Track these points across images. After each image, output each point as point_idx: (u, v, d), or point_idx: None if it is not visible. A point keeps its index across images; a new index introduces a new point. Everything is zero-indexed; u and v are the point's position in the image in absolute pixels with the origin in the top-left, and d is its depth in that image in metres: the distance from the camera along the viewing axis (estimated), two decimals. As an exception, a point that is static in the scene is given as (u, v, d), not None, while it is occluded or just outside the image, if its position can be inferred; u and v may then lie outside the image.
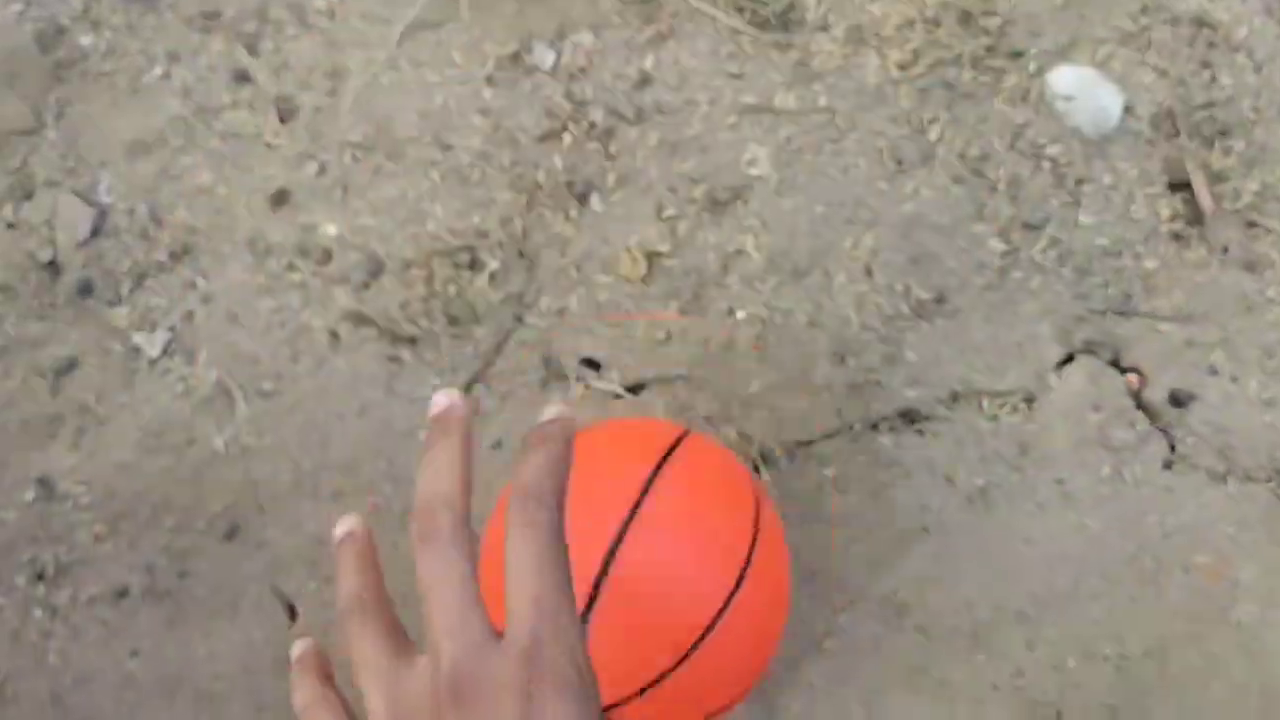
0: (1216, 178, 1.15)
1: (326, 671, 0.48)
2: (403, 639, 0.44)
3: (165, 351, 1.16)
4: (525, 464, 0.45)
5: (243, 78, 1.21)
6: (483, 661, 0.41)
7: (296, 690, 0.47)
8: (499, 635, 0.41)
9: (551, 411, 0.47)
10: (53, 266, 1.17)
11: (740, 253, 1.16)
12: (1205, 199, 1.14)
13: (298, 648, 0.50)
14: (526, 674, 0.40)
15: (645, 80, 1.20)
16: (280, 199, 1.18)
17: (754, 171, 1.18)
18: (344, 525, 0.49)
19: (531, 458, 0.45)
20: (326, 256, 1.17)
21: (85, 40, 1.22)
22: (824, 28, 1.20)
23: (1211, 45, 1.18)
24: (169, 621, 1.11)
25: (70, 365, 1.15)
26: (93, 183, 1.19)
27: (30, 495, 1.12)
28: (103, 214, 1.18)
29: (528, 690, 0.39)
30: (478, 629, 0.41)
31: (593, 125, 1.19)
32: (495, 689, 0.40)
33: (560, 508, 0.44)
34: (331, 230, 1.17)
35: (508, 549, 0.42)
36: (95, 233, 1.18)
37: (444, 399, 0.47)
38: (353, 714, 0.45)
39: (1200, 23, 1.19)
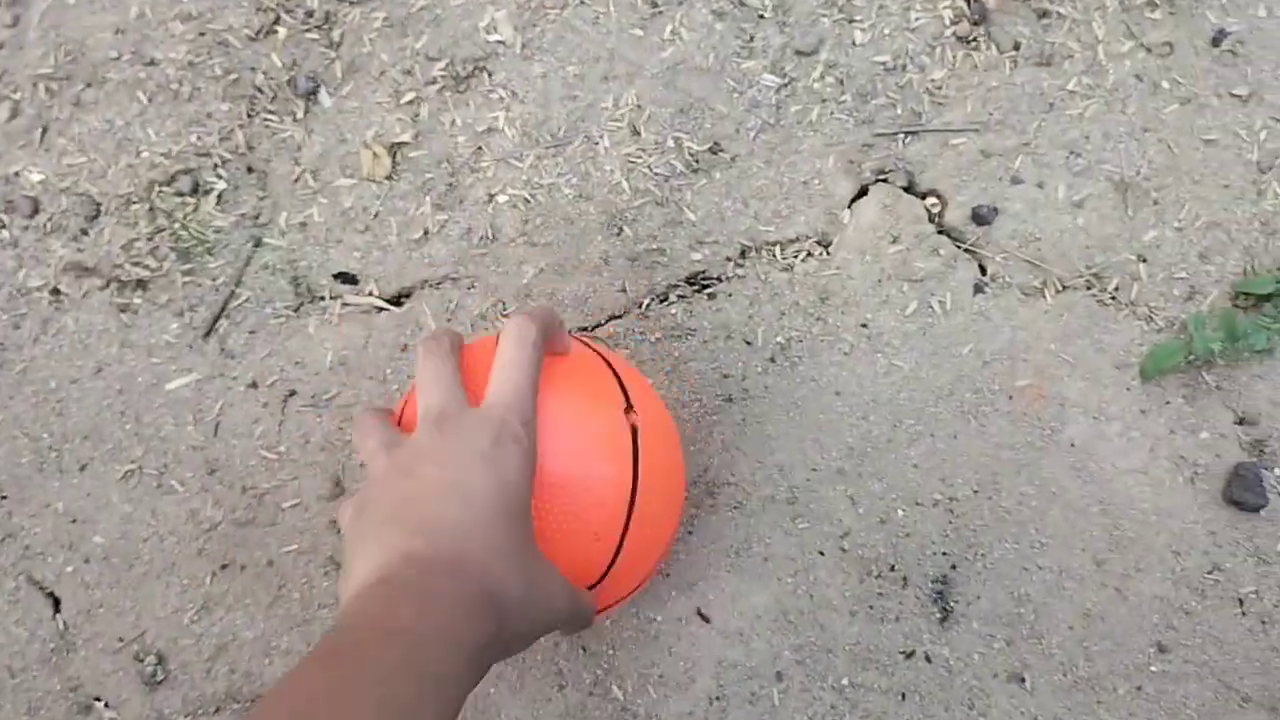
0: (997, -32, 1.01)
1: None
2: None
3: (-127, 340, 1.00)
4: (528, 311, 0.67)
5: (-89, 21, 1.04)
6: (461, 412, 0.62)
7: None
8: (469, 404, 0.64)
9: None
10: None
11: (492, 130, 1.01)
12: (987, -7, 1.01)
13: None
14: (493, 426, 0.60)
15: (362, -45, 1.03)
16: (-27, 150, 1.02)
17: (494, 38, 1.02)
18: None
19: (527, 311, 0.67)
20: (34, 207, 1.01)
21: None
22: None
23: None
24: (-77, 633, 0.97)
25: None
26: None
27: None
28: None
29: (494, 435, 0.59)
30: (459, 396, 0.63)
31: (309, 13, 1.02)
32: (468, 430, 0.60)
33: (542, 339, 0.66)
34: (36, 177, 1.01)
35: (500, 347, 0.65)
36: None
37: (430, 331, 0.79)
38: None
39: None
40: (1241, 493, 0.92)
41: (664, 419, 0.78)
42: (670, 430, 0.79)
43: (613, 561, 0.70)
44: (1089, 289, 0.97)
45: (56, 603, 0.96)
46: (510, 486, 0.58)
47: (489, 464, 0.57)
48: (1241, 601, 0.91)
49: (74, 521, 0.97)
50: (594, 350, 0.76)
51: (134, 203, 1.00)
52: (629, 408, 0.72)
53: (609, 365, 0.75)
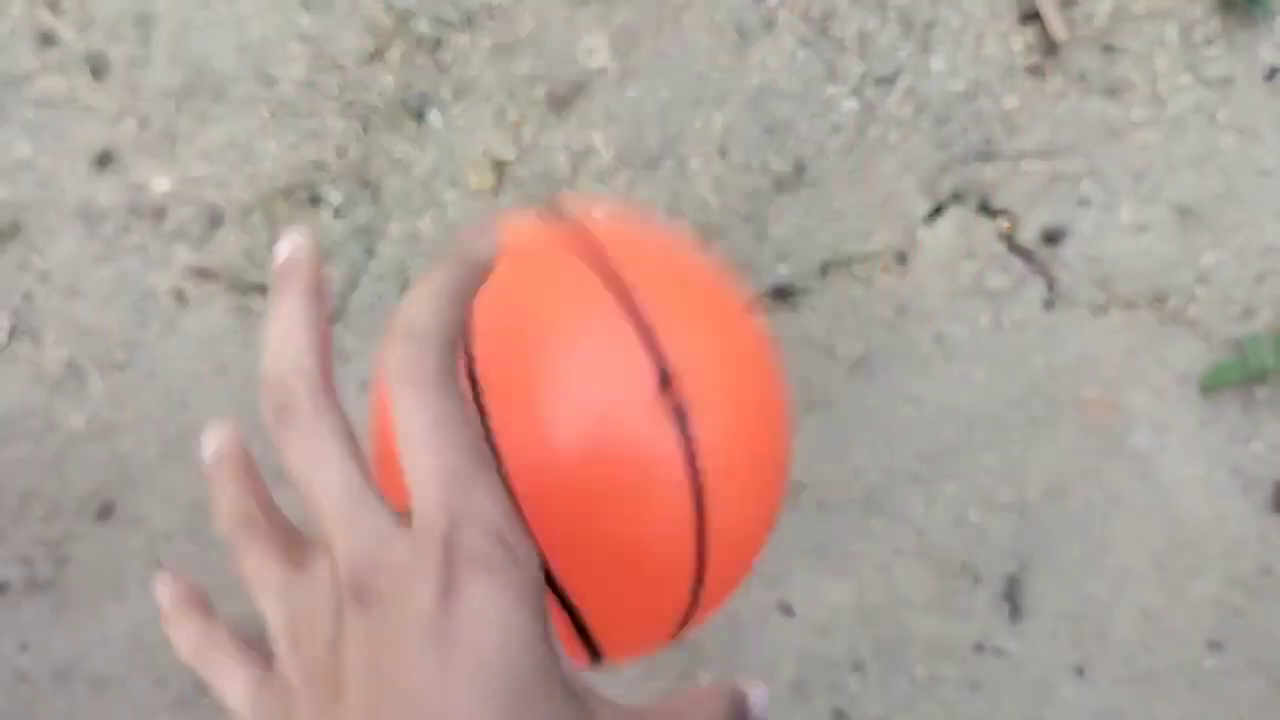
0: (1067, 3, 1.07)
1: (204, 605, 0.42)
2: (300, 547, 0.37)
3: (9, 337, 1.07)
4: (406, 303, 0.35)
5: (48, 39, 1.10)
6: (387, 552, 0.33)
7: (178, 639, 0.41)
8: (403, 519, 0.33)
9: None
10: (-122, 265, 1.08)
11: (589, 150, 1.07)
12: (1057, 27, 1.07)
13: (161, 593, 0.43)
14: (442, 560, 0.32)
15: (469, -17, 1.10)
16: (105, 160, 1.08)
17: (593, 64, 1.09)
18: (212, 443, 0.40)
19: (413, 292, 0.36)
20: (161, 213, 1.08)
21: (-124, 23, 1.11)
22: (647, -97, 1.11)
23: None
24: (54, 610, 1.03)
25: (-88, 365, 1.06)
26: (-96, 171, 1.09)
27: (-110, 504, 1.04)
28: (-81, 202, 1.08)
29: (445, 580, 0.31)
30: (375, 514, 0.33)
31: (420, 37, 1.09)
32: (405, 582, 0.32)
33: (450, 350, 0.34)
34: (163, 185, 1.08)
35: (395, 414, 0.34)
36: (-83, 224, 1.08)
37: (285, 246, 0.40)
38: (254, 641, 0.39)
39: None
40: (1294, 501, 0.98)
41: (738, 364, 0.48)
42: (754, 380, 0.50)
43: (686, 618, 0.50)
44: (1152, 307, 1.02)
45: (181, 584, 1.02)
46: (500, 665, 0.30)
47: (446, 650, 0.30)
48: (1293, 603, 0.97)
49: (197, 510, 1.03)
50: (587, 266, 0.43)
51: (254, 211, 1.06)
52: (666, 378, 0.42)
53: (619, 295, 0.43)
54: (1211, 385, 1.00)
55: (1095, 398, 1.01)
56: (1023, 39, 1.07)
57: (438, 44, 1.09)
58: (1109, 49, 1.07)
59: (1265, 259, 1.03)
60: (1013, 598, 0.98)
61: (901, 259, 1.05)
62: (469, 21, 1.09)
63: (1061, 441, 1.00)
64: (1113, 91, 1.07)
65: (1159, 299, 1.03)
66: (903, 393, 1.02)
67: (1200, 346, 1.01)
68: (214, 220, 1.07)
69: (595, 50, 1.09)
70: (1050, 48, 1.07)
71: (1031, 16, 1.08)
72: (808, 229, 1.05)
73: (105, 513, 1.04)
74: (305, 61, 1.08)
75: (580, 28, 1.09)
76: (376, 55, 1.08)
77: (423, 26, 1.09)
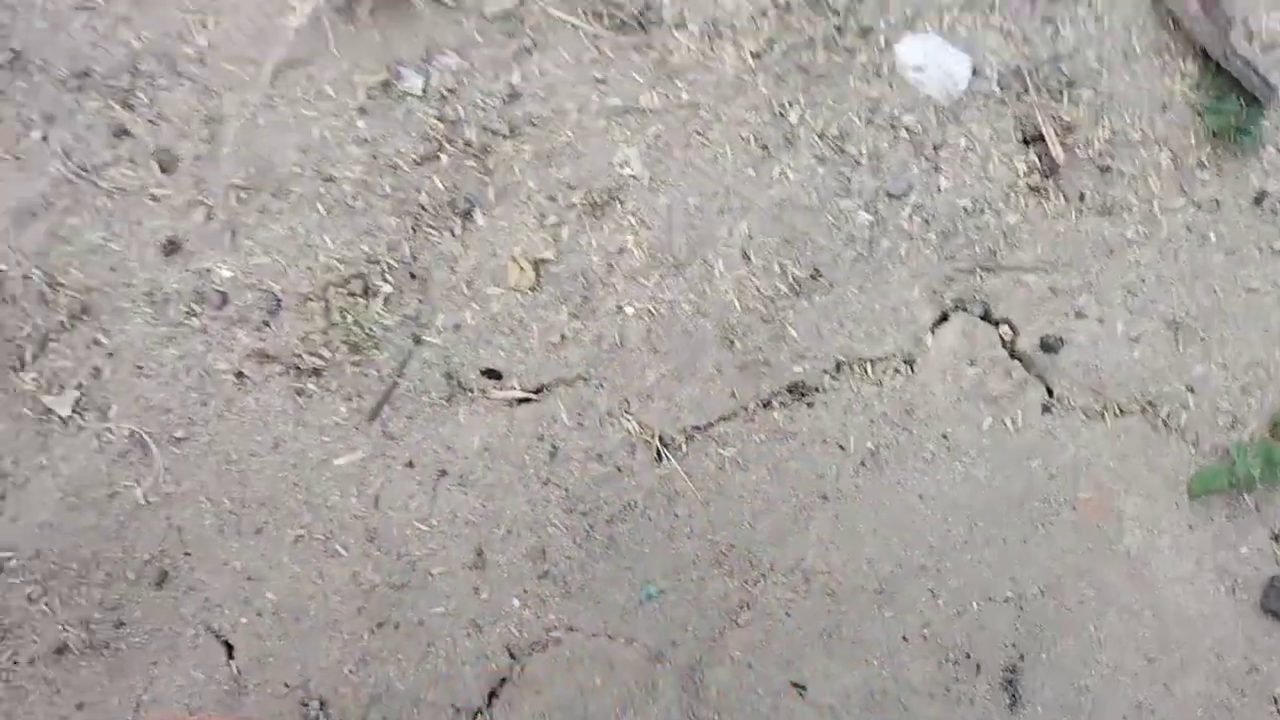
0: (1067, 129, 1.11)
1: None
2: None
3: (76, 410, 1.09)
4: None
5: (121, 133, 1.14)
6: None
7: None
8: None
9: None
10: (-43, 340, 1.11)
11: (622, 251, 1.11)
12: (1058, 150, 1.10)
13: None
14: None
15: (514, 94, 1.14)
16: (172, 248, 1.12)
17: (627, 171, 1.12)
18: None
19: None
20: (223, 299, 1.11)
21: (-35, 113, 1.15)
22: (680, 24, 1.15)
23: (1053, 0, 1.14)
24: (111, 672, 1.05)
25: (-16, 434, 1.09)
26: (-14, 253, 1.12)
27: (-41, 565, 1.07)
28: (-1, 283, 1.11)
29: None
30: None
31: (468, 143, 1.13)
32: None
33: None
34: (226, 273, 1.11)
35: None
36: (-6, 302, 1.11)
37: None
38: None
39: (1039, -19, 1.15)
40: (1276, 602, 1.00)
41: None
42: None
43: None
44: (1144, 414, 1.05)
45: (230, 650, 1.04)
46: None
47: None
48: (1276, 700, 0.99)
49: (249, 579, 1.05)
50: None
51: (311, 300, 1.10)
52: None
53: None
54: (1200, 490, 1.02)
55: (1090, 499, 1.03)
56: (1025, 160, 1.11)
57: (485, 150, 1.12)
58: (1106, 171, 1.11)
59: (1252, 372, 1.06)
60: (1012, 688, 0.99)
61: (910, 362, 1.07)
62: (513, 130, 1.13)
63: (1058, 540, 1.02)
64: (1109, 211, 1.10)
65: (1151, 407, 1.05)
66: (911, 488, 1.04)
67: (1190, 453, 1.04)
68: (273, 307, 1.10)
69: (629, 159, 1.13)
70: (1051, 168, 1.11)
71: (1034, 139, 1.11)
72: (823, 331, 1.08)
73: (162, 580, 1.06)
74: (362, 163, 1.12)
75: (616, 137, 1.13)
76: (428, 159, 1.12)
77: (471, 134, 1.12)
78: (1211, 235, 1.08)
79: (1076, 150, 1.10)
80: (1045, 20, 1.13)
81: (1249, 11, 1.10)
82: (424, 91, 1.13)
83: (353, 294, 1.10)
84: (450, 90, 1.13)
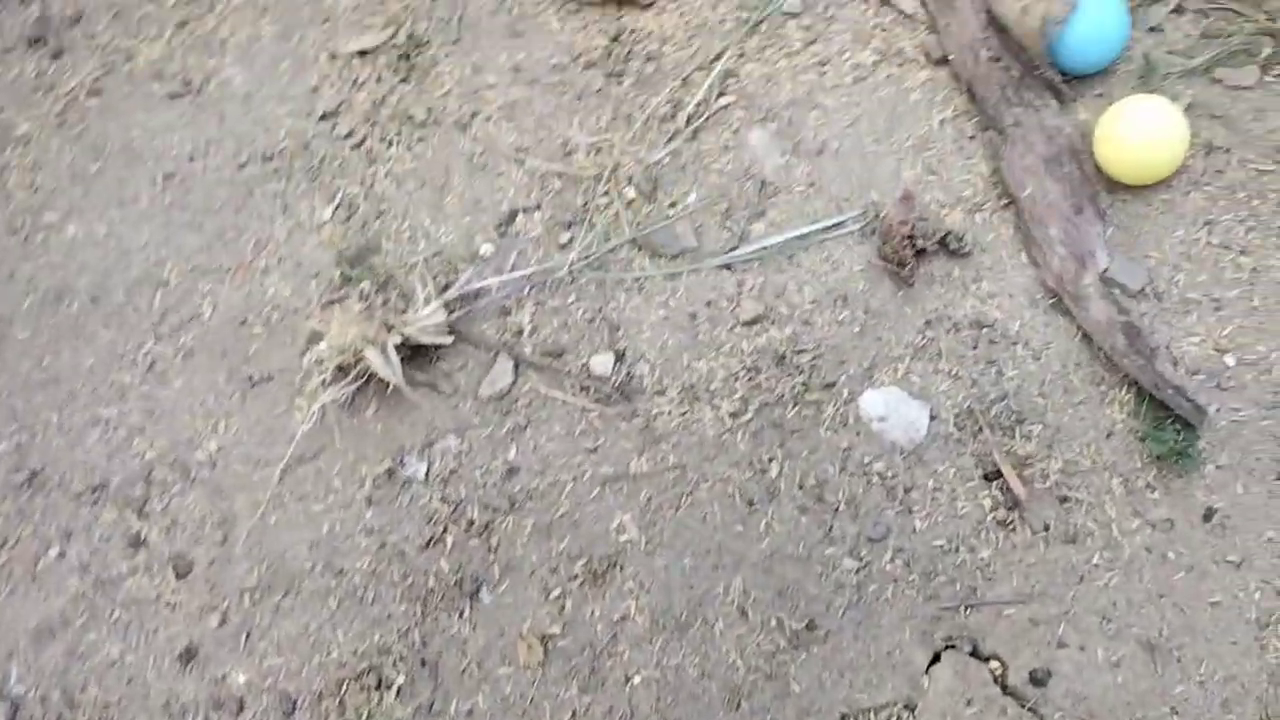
0: (1023, 463, 1.19)
1: None
2: None
3: (95, 834, 1.09)
4: None
5: (137, 542, 1.18)
6: None
7: None
8: None
9: None
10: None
11: (625, 619, 1.15)
12: (1016, 484, 1.18)
13: None
14: None
15: (512, 470, 1.21)
16: (188, 655, 1.14)
17: (624, 537, 1.18)
18: None
19: None
20: (240, 705, 1.13)
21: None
22: (660, 391, 1.24)
23: (992, 343, 1.25)
24: None
25: None
26: (3, 676, 1.14)
27: None
28: (15, 707, 1.12)
29: None
30: None
31: (471, 523, 1.19)
32: None
33: None
34: (241, 678, 1.13)
35: None
36: (10, 726, 1.12)
37: None
38: None
39: (978, 324, 1.26)
40: None
41: None
42: None
43: None
44: (1136, 743, 1.09)
45: None
46: None
47: None
48: None
49: None
50: None
51: (325, 698, 1.12)
52: None
53: None
54: (1201, 818, 1.05)
55: (1100, 837, 1.06)
56: (990, 496, 1.19)
57: (487, 528, 1.18)
58: (1065, 500, 1.19)
59: (1227, 687, 1.11)
60: None
61: (910, 707, 1.11)
62: (513, 505, 1.19)
63: None
64: (1073, 539, 1.17)
65: (1142, 734, 1.09)
66: (927, 845, 1.06)
67: (1185, 780, 1.07)
68: (289, 709, 1.12)
69: (625, 525, 1.19)
70: (1014, 502, 1.19)
71: (995, 474, 1.20)
72: (824, 683, 1.12)
73: None
74: (370, 553, 1.17)
75: (611, 504, 1.19)
76: (434, 542, 1.17)
77: (473, 512, 1.18)
78: (1170, 554, 1.16)
79: (1035, 483, 1.19)
80: (988, 363, 1.23)
81: (1169, 340, 1.22)
82: (427, 476, 1.20)
83: (366, 687, 1.12)
84: (452, 471, 1.20)
